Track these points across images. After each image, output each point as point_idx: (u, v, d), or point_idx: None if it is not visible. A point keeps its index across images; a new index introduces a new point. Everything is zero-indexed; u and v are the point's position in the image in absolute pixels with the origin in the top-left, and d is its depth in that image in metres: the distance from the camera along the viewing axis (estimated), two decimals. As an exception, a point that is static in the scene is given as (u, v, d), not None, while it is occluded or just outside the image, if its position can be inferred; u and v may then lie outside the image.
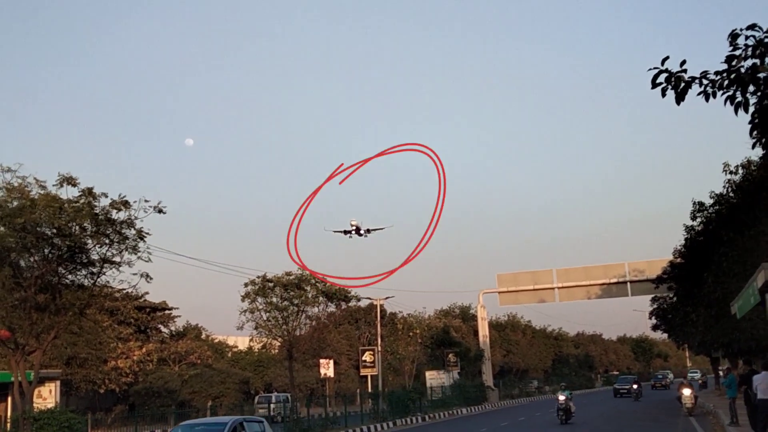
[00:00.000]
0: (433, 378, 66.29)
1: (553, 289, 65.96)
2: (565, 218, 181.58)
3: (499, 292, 67.91)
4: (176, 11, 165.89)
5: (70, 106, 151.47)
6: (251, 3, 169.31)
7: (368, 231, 67.04)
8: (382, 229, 67.40)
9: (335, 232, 67.87)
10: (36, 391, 32.92)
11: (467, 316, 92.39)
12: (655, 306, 56.51)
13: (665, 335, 72.26)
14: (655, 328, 61.46)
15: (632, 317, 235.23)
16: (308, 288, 50.19)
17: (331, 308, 56.00)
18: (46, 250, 29.18)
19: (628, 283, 63.06)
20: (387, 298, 65.95)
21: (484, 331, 72.14)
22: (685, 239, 39.02)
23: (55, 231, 28.53)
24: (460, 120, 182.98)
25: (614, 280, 63.67)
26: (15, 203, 28.00)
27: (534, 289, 66.68)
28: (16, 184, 28.48)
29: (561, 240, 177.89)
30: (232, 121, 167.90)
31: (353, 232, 67.09)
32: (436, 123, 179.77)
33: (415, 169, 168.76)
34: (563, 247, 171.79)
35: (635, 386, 63.99)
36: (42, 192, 28.54)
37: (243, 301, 49.16)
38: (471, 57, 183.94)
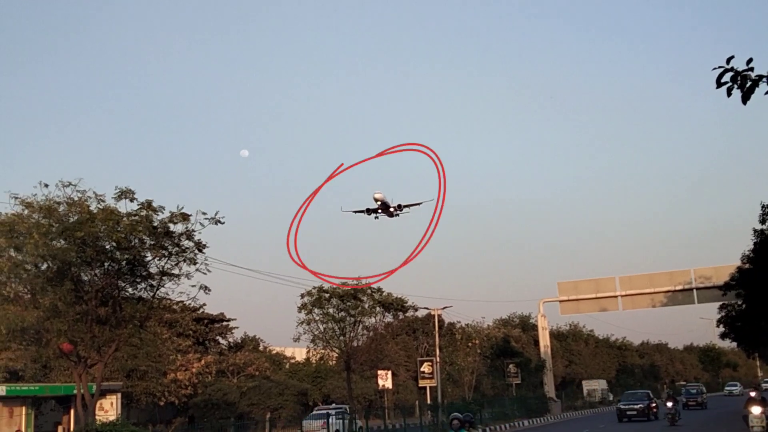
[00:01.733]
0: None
1: (616, 297, 65.04)
2: (629, 225, 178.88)
3: (560, 301, 67.20)
4: (227, 30, 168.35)
5: (126, 121, 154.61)
6: (286, 23, 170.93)
7: (400, 208, 60.28)
8: (418, 204, 60.63)
9: (356, 212, 61.34)
10: (98, 404, 33.47)
11: (527, 326, 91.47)
12: (723, 314, 55.17)
13: (734, 344, 70.51)
14: (723, 336, 59.98)
15: (699, 325, 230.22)
16: (365, 298, 50.32)
17: (389, 318, 56.09)
18: (106, 264, 29.69)
19: (695, 290, 61.87)
20: (445, 307, 65.61)
21: (545, 340, 71.38)
22: (754, 244, 38.17)
23: (114, 244, 29.01)
24: (529, 130, 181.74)
25: (680, 288, 62.49)
26: (75, 217, 28.54)
27: (596, 298, 65.79)
28: (75, 199, 29.01)
29: (624, 247, 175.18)
30: (284, 131, 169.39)
31: (380, 210, 60.39)
32: (501, 132, 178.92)
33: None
34: (627, 254, 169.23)
35: (654, 405, 51.18)
36: (101, 206, 29.02)
37: (300, 312, 49.53)
38: (532, 68, 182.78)
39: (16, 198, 28.68)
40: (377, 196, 59.67)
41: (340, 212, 62.03)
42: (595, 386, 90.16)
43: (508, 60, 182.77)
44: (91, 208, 28.93)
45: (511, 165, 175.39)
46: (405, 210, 60.20)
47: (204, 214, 30.30)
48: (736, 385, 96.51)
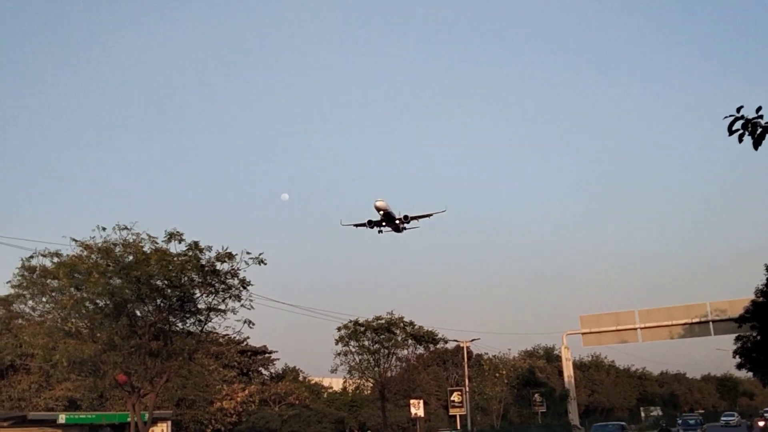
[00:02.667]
0: None
1: (635, 329, 64.19)
2: (646, 259, 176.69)
3: (582, 333, 66.43)
4: (266, 82, 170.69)
5: (177, 168, 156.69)
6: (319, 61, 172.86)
7: (407, 219, 52.16)
8: (428, 215, 52.80)
9: (356, 225, 53.79)
10: (150, 431, 33.57)
11: (551, 357, 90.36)
12: (738, 345, 54.07)
13: (750, 374, 68.98)
14: (739, 366, 58.66)
15: (716, 356, 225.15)
16: (397, 331, 50.11)
17: (420, 350, 55.73)
18: (159, 301, 29.99)
19: (711, 323, 60.91)
20: (473, 340, 65.11)
21: (568, 371, 70.50)
22: (767, 279, 37.56)
23: (166, 282, 29.34)
24: (549, 165, 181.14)
25: (696, 320, 61.55)
26: (130, 258, 28.95)
27: (616, 330, 64.99)
28: (131, 240, 29.44)
29: (642, 281, 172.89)
30: (321, 175, 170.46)
31: (383, 223, 52.96)
32: (520, 168, 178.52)
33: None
34: (645, 287, 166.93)
35: None
36: (154, 247, 29.42)
37: (337, 344, 49.44)
38: (548, 112, 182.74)
39: (76, 241, 29.18)
40: (379, 204, 52.30)
41: (349, 232, 56.45)
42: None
43: (528, 106, 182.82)
44: (144, 249, 29.33)
45: (534, 203, 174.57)
46: (413, 224, 52.94)
47: (248, 253, 30.57)
48: (733, 415, 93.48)
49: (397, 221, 52.88)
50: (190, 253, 29.73)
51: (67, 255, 28.96)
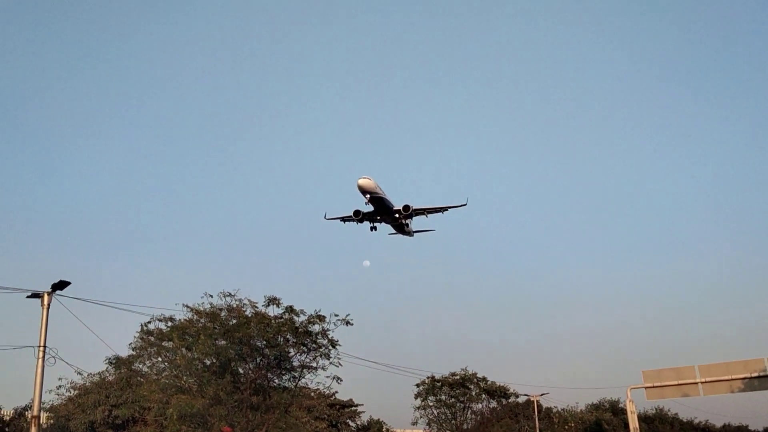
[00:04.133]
0: None
1: (696, 384, 61.03)
2: (705, 314, 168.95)
3: (645, 388, 63.55)
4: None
5: (272, 237, 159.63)
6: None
7: (409, 213, 38.99)
8: (444, 209, 40.18)
9: (343, 220, 40.80)
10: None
11: (617, 410, 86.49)
12: (799, 398, 50.74)
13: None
14: (801, 418, 54.94)
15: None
16: (472, 386, 48.99)
17: (493, 404, 54.23)
18: (258, 359, 30.26)
19: (770, 377, 57.48)
20: (542, 394, 62.93)
21: (634, 423, 67.15)
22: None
23: (264, 343, 29.65)
24: (610, 230, 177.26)
25: (755, 375, 58.19)
26: (234, 321, 29.44)
27: (678, 384, 61.88)
28: (234, 305, 30.02)
29: (702, 336, 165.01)
30: (397, 245, 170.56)
31: (377, 217, 39.31)
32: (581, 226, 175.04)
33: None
34: (704, 342, 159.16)
35: None
36: (254, 311, 29.93)
37: (416, 399, 48.57)
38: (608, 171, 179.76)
39: (187, 307, 29.94)
40: (363, 183, 38.70)
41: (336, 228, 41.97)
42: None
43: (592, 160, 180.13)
44: (246, 313, 29.85)
45: (596, 261, 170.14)
46: (421, 223, 40.19)
47: (336, 315, 30.81)
48: None
49: (397, 215, 41.19)
50: (286, 316, 30.15)
51: (179, 319, 29.69)
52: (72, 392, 37.77)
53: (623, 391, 67.44)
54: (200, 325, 29.01)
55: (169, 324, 29.77)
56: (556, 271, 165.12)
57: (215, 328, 29.01)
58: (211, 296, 29.89)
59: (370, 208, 38.86)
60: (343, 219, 40.79)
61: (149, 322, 30.39)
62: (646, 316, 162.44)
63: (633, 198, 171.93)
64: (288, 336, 30.24)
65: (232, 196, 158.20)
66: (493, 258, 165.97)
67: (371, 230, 39.28)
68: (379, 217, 38.84)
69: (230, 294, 30.21)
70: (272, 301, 30.43)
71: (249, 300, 30.54)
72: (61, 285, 23.73)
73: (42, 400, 23.66)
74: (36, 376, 22.89)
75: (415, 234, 44.01)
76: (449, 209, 40.64)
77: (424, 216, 40.57)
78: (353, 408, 65.47)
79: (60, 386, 37.26)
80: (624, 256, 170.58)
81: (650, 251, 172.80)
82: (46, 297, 23.57)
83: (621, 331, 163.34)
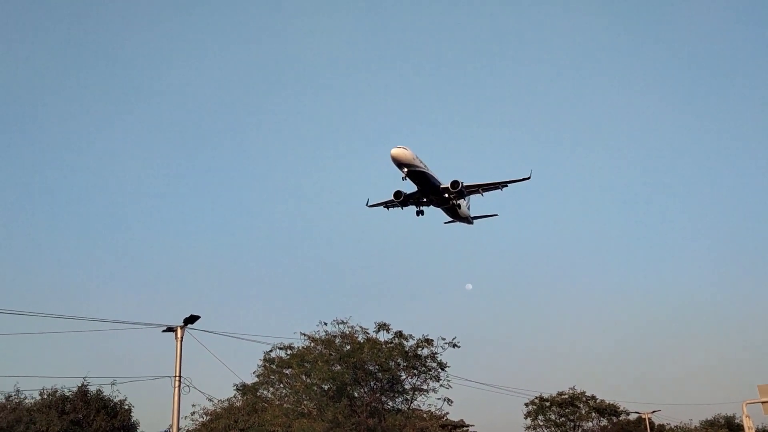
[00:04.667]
0: None
1: (818, 397, 56.69)
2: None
3: (762, 402, 59.61)
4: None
5: (379, 267, 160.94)
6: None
7: (458, 192, 32.68)
8: (503, 185, 34.63)
9: (387, 206, 36.28)
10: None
11: (733, 426, 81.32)
12: None
13: None
14: None
15: None
16: (581, 405, 47.60)
17: (603, 422, 52.36)
18: (372, 383, 30.69)
19: None
20: (654, 411, 60.23)
21: (753, 439, 63.01)
22: None
23: (377, 367, 30.06)
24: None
25: None
26: (348, 347, 30.07)
27: (798, 398, 57.69)
28: (347, 332, 30.69)
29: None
30: (502, 266, 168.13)
31: (422, 197, 33.74)
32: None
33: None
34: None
35: None
36: (366, 336, 30.48)
37: (525, 418, 47.62)
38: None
39: (305, 335, 30.86)
40: (396, 152, 32.59)
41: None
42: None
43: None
44: (359, 339, 30.45)
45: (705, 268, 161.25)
46: (480, 208, 34.14)
47: (443, 339, 30.95)
48: None
49: (445, 193, 34.78)
50: (396, 341, 30.52)
51: (298, 347, 30.61)
52: (204, 418, 39.36)
53: (737, 407, 63.58)
54: (317, 351, 29.82)
55: (289, 352, 30.73)
56: (668, 286, 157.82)
57: (331, 354, 29.73)
58: (326, 324, 30.77)
59: (412, 188, 34.15)
60: (386, 205, 35.99)
61: (271, 351, 31.49)
62: (761, 328, 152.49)
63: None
64: (399, 360, 30.58)
65: (343, 233, 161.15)
66: (600, 271, 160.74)
67: (417, 215, 34.38)
68: (425, 199, 33.87)
69: (343, 321, 31.00)
70: (382, 326, 30.94)
71: (360, 326, 31.22)
72: (192, 319, 24.99)
73: (179, 426, 24.87)
74: (173, 404, 24.08)
75: (474, 221, 38.92)
76: (509, 184, 34.99)
77: (479, 194, 34.69)
78: (464, 428, 64.73)
79: (194, 412, 38.96)
80: (741, 269, 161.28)
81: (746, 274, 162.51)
82: (179, 330, 24.85)
83: (734, 344, 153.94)
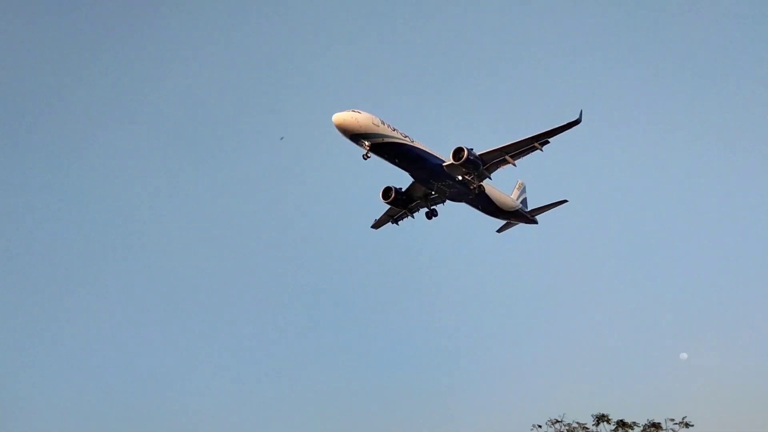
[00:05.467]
0: None
1: None
2: None
3: None
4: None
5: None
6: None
7: (475, 162, 23.59)
8: (536, 143, 24.80)
9: (394, 220, 26.74)
10: None
11: None
12: None
13: None
14: None
15: None
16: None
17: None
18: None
19: None
20: None
21: None
22: None
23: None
24: None
25: None
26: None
27: None
28: (564, 431, 29.25)
29: None
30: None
31: (425, 189, 23.94)
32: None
33: None
34: None
35: None
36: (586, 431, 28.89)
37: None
38: None
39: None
40: (339, 118, 24.17)
41: None
42: None
43: None
44: (581, 436, 28.86)
45: None
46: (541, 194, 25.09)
47: (671, 420, 28.65)
48: None
49: (453, 173, 24.02)
50: (620, 431, 28.52)
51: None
52: None
53: None
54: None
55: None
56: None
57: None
58: (540, 426, 29.41)
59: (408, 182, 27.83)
60: (392, 217, 26.78)
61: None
62: None
63: None
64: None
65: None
66: None
67: (428, 217, 25.69)
68: (431, 192, 25.52)
69: (558, 420, 29.47)
70: (601, 418, 29.04)
71: (578, 423, 29.57)
72: None
73: None
74: None
75: (536, 214, 31.66)
76: (550, 138, 25.48)
77: (510, 165, 24.98)
78: None
79: None
80: None
81: None
82: None
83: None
